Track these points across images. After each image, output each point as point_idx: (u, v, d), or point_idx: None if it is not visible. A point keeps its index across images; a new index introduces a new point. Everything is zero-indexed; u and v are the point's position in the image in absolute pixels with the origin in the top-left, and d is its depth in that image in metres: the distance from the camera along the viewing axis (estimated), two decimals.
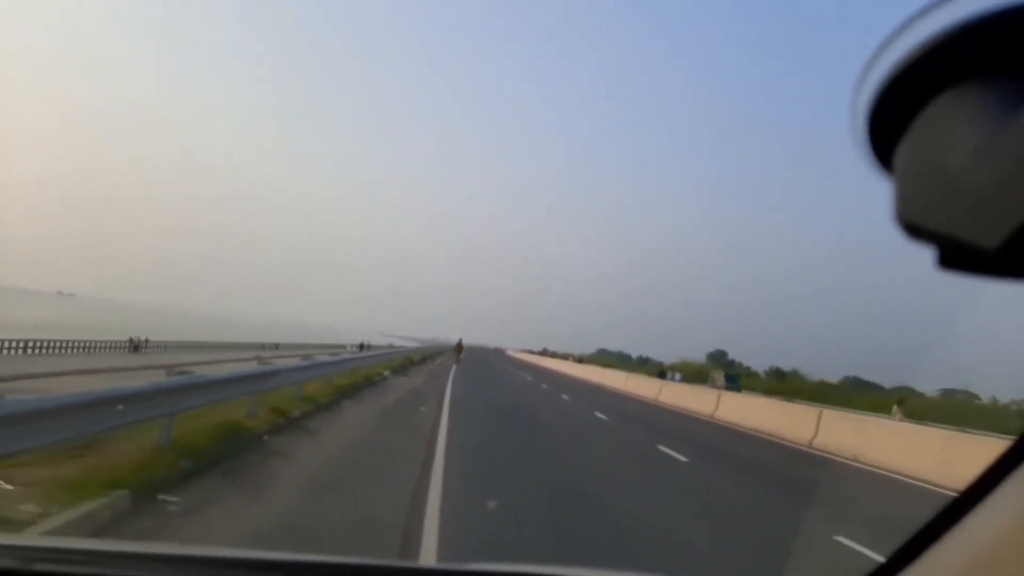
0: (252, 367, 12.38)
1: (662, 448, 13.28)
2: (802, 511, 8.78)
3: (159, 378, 7.83)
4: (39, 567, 1.38)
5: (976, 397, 43.34)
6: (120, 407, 5.98)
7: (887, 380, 52.84)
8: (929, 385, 46.54)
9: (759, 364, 79.97)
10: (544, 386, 33.46)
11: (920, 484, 12.03)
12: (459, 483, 8.03)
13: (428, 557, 5.19)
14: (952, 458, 12.55)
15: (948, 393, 46.80)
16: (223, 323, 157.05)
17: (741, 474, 11.94)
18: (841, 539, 7.07)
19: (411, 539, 5.63)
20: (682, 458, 12.34)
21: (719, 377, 56.56)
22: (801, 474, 13.02)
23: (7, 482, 5.38)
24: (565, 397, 26.71)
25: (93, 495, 5.47)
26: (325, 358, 18.98)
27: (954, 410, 34.10)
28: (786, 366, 70.18)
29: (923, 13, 0.55)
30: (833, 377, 65.21)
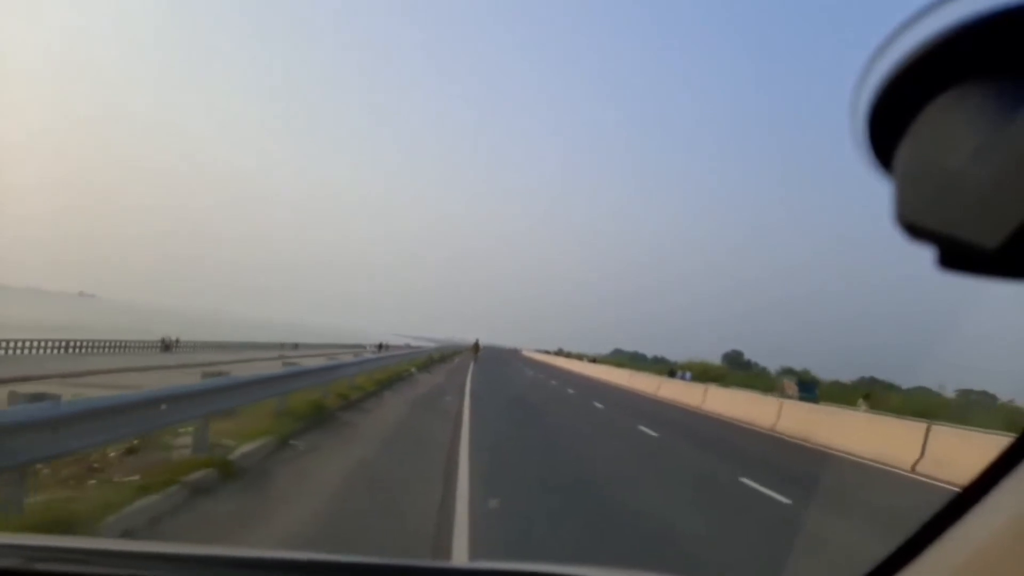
0: (324, 362, 15.80)
1: (640, 427, 16.63)
2: (727, 465, 12.06)
3: (234, 374, 11.18)
4: (40, 566, 1.38)
5: (993, 398, 42.32)
6: (269, 385, 9.47)
7: (905, 381, 52.29)
8: (947, 385, 46.10)
9: (776, 364, 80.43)
10: (553, 382, 36.82)
11: (835, 452, 15.32)
12: (480, 449, 11.31)
13: (463, 489, 8.40)
14: (870, 435, 15.80)
15: (964, 393, 46.97)
16: (236, 324, 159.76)
17: (696, 444, 15.25)
18: (744, 480, 10.33)
19: (451, 477, 8.89)
20: (654, 434, 15.68)
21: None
22: (746, 446, 16.24)
23: None
24: (570, 391, 30.09)
25: (256, 437, 8.89)
26: (369, 356, 22.48)
27: (928, 405, 36.64)
28: (807, 367, 70.25)
29: (923, 13, 0.55)
30: (850, 377, 64.36)
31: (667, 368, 73.57)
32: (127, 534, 4.95)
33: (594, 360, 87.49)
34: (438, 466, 9.09)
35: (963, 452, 12.99)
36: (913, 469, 13.54)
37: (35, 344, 37.21)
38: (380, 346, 66.41)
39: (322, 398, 13.12)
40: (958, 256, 0.58)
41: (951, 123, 0.57)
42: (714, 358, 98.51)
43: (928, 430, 14.32)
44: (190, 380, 9.10)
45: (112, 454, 7.86)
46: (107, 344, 44.55)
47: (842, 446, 15.90)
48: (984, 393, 46.08)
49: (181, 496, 6.00)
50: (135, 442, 8.07)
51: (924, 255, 0.60)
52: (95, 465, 7.42)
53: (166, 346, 51.80)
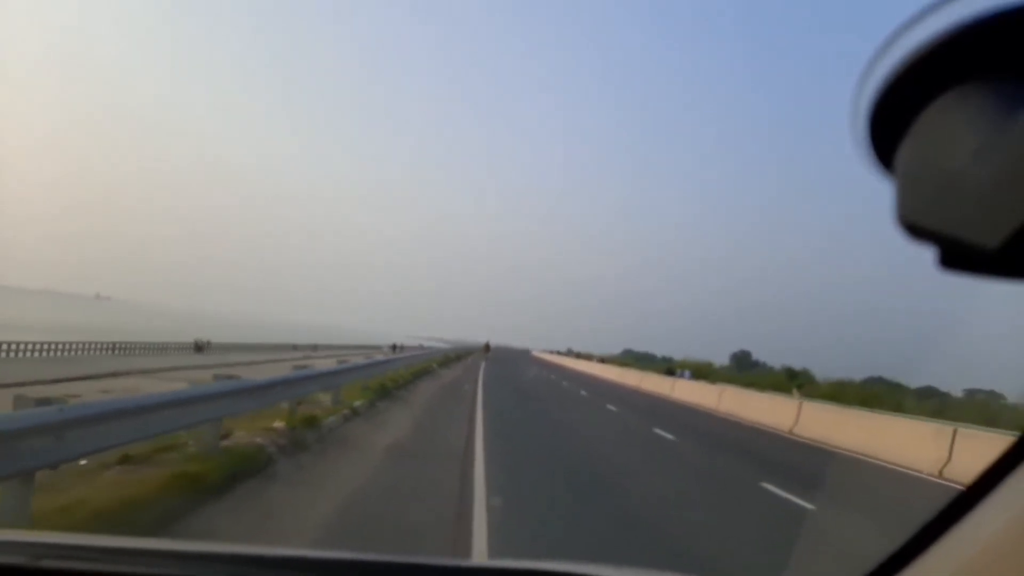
0: (383, 356, 22.09)
1: (608, 406, 22.78)
2: (653, 424, 18.14)
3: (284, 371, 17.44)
4: (46, 563, 1.40)
5: (1000, 397, 40.98)
6: (362, 371, 15.78)
7: (914, 380, 52.48)
8: (955, 385, 45.78)
9: (783, 364, 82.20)
10: (553, 377, 43.09)
11: (742, 421, 21.41)
12: (491, 417, 17.45)
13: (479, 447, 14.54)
14: (773, 411, 21.83)
15: (972, 393, 49.05)
16: (248, 324, 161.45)
17: (641, 415, 21.34)
18: (656, 430, 16.42)
19: (472, 421, 14.97)
20: (615, 409, 21.84)
21: None
22: (680, 417, 22.18)
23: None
24: (565, 384, 36.29)
25: (358, 400, 15.05)
26: (407, 354, 28.80)
27: (869, 395, 42.05)
28: (817, 366, 70.53)
29: (924, 14, 0.56)
30: (858, 376, 63.51)
31: (669, 367, 77.52)
32: (333, 429, 11.11)
33: (602, 360, 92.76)
34: (464, 416, 15.34)
35: (822, 420, 19.08)
36: (790, 432, 19.56)
37: (85, 346, 41.30)
38: (394, 347, 68.12)
39: (383, 381, 19.36)
40: (959, 256, 0.58)
41: (952, 123, 0.57)
42: (723, 358, 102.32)
43: (800, 406, 20.42)
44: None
45: (284, 405, 14.04)
46: (145, 346, 48.62)
47: (752, 418, 21.99)
48: (991, 393, 47.67)
49: (342, 418, 12.28)
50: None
51: (926, 255, 0.60)
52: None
53: (199, 347, 55.39)
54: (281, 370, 13.79)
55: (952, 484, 12.44)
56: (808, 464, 13.87)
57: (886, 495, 11.36)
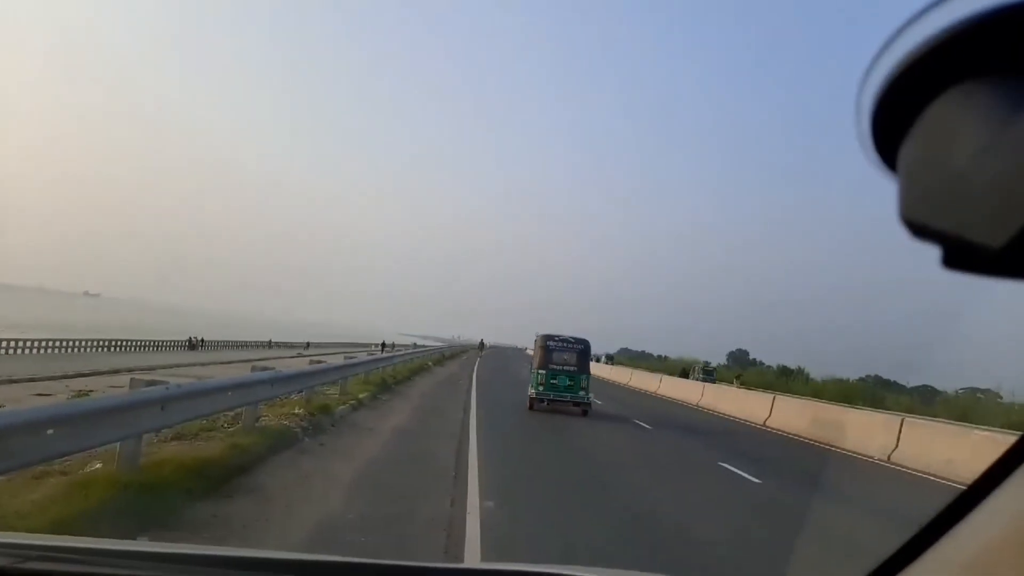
0: (383, 354, 23.58)
1: (596, 400, 24.28)
2: (635, 416, 19.64)
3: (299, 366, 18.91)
4: (32, 565, 1.39)
5: (998, 396, 41.10)
6: (364, 366, 17.28)
7: (911, 379, 52.36)
8: (956, 384, 45.67)
9: (780, 362, 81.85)
10: None
11: (728, 416, 22.95)
12: (482, 405, 18.91)
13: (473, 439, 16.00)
14: (750, 405, 23.38)
15: (970, 391, 49.65)
16: (237, 322, 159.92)
17: (624, 408, 22.86)
18: (636, 420, 17.91)
19: (467, 407, 16.41)
20: (599, 402, 23.32)
21: None
22: (660, 411, 23.66)
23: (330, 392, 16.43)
24: None
25: (362, 393, 16.49)
26: (407, 352, 30.34)
27: (845, 389, 43.94)
28: (818, 365, 69.65)
29: (928, 11, 0.55)
30: (854, 375, 63.15)
31: (675, 366, 75.11)
32: (345, 416, 12.55)
33: (597, 359, 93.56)
34: (460, 403, 16.84)
35: (794, 414, 20.60)
36: (764, 424, 21.06)
37: (82, 344, 42.49)
38: (383, 345, 65.66)
39: (382, 377, 20.82)
40: (963, 255, 0.58)
41: (956, 121, 0.57)
42: (720, 357, 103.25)
43: (774, 400, 21.98)
44: None
45: (295, 397, 15.46)
46: (140, 343, 49.85)
47: (729, 412, 23.58)
48: (988, 391, 47.54)
49: (349, 408, 13.71)
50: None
51: (929, 254, 0.60)
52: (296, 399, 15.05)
53: (192, 345, 56.99)
54: (298, 364, 15.17)
55: (895, 467, 14.02)
56: (768, 450, 15.41)
57: (829, 474, 12.91)
